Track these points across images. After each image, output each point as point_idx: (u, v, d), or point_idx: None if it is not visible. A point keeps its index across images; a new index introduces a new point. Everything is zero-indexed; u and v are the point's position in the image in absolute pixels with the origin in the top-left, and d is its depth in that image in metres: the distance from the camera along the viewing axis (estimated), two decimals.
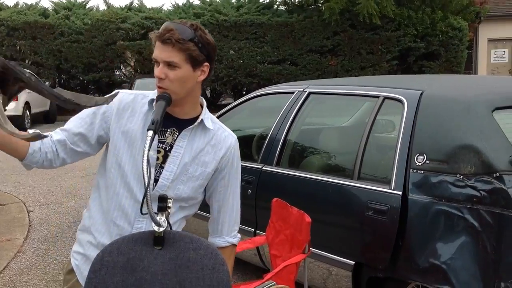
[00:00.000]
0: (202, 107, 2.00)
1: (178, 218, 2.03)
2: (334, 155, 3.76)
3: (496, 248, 2.53)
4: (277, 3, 21.02)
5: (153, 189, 1.93)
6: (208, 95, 21.65)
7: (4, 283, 4.36)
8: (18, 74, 1.54)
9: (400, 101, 3.09)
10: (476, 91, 3.05)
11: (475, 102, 2.88)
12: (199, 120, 1.96)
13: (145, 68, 19.81)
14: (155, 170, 1.93)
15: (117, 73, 21.16)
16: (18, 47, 19.43)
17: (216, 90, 21.11)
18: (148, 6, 21.50)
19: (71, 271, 2.07)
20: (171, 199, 1.74)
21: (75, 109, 1.76)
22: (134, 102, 1.98)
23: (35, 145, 1.87)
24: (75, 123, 1.97)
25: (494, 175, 2.60)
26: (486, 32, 22.52)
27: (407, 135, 2.94)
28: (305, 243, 2.76)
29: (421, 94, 3.02)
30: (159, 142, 1.93)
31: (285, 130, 3.62)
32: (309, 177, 3.38)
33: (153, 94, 1.98)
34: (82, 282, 2.00)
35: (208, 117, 2.00)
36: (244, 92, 21.28)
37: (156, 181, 1.93)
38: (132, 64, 20.76)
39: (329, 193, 3.23)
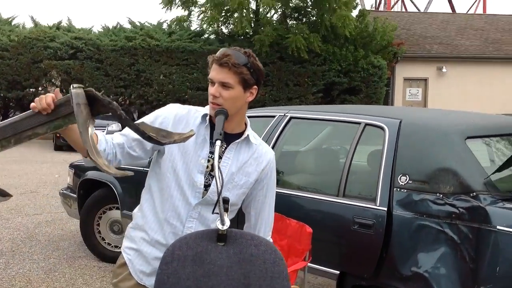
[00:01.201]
0: (246, 125, 2.25)
1: None
2: (320, 175, 4.07)
3: (474, 259, 2.89)
4: (208, 31, 21.41)
5: (205, 195, 2.16)
6: (135, 118, 21.55)
7: None
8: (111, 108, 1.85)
9: (381, 128, 3.45)
10: (449, 121, 3.48)
11: (450, 131, 3.29)
12: (245, 135, 2.21)
13: None
14: (205, 177, 2.16)
15: (42, 91, 20.60)
16: None
17: (144, 114, 21.03)
18: (77, 26, 21.20)
19: (122, 265, 2.27)
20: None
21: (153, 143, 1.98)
22: (188, 115, 2.21)
23: (101, 146, 2.08)
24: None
25: (471, 194, 2.99)
26: (402, 71, 23.94)
27: (390, 158, 3.30)
28: (306, 252, 3.03)
29: (400, 122, 3.41)
30: (209, 152, 2.17)
31: None
32: (296, 194, 3.66)
33: (204, 109, 2.22)
34: (134, 274, 2.22)
35: (251, 133, 2.26)
36: None
37: (206, 187, 2.16)
38: (58, 83, 20.32)
39: (318, 209, 3.52)
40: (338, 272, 3.38)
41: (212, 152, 2.16)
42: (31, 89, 19.77)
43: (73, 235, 6.16)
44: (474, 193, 2.99)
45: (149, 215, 2.21)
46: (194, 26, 22.49)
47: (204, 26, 21.07)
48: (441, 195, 3.07)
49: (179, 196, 2.16)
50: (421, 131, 3.35)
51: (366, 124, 3.56)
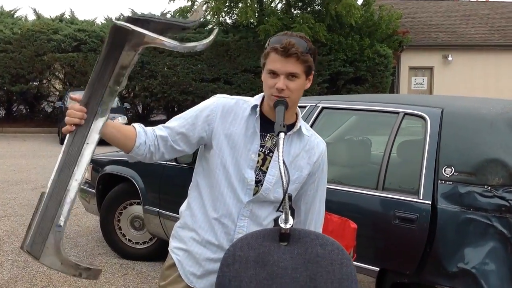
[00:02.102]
0: (297, 115, 2.11)
1: (271, 219, 2.13)
2: (357, 167, 3.94)
3: None
4: (212, 22, 21.22)
5: (257, 192, 2.03)
6: (140, 111, 21.42)
7: None
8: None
9: (422, 117, 3.31)
10: (493, 109, 3.33)
11: (496, 119, 3.16)
12: (297, 126, 2.07)
13: (76, 81, 19.34)
14: (255, 173, 2.03)
15: (46, 85, 20.47)
16: None
17: (148, 106, 20.92)
18: (80, 18, 21.01)
19: (171, 266, 2.14)
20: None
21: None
22: (236, 106, 2.08)
23: (141, 138, 1.97)
24: (178, 122, 2.06)
25: None
26: (408, 60, 23.77)
27: (433, 149, 3.16)
28: (350, 248, 2.90)
29: (442, 111, 3.27)
30: (260, 146, 2.03)
31: None
32: (332, 188, 3.52)
33: (254, 100, 2.09)
34: (184, 276, 2.09)
35: (303, 125, 2.12)
36: (176, 109, 21.23)
37: (256, 183, 2.03)
38: (62, 76, 20.18)
39: (356, 203, 3.39)
40: (378, 269, 3.25)
41: (262, 146, 2.04)
42: (34, 83, 19.65)
43: (90, 231, 6.04)
44: None
45: (198, 214, 2.09)
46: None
47: (208, 17, 20.86)
48: (490, 187, 2.93)
49: (229, 193, 2.03)
50: (465, 120, 3.21)
51: (406, 114, 3.42)
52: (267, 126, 2.04)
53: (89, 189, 5.50)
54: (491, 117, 3.18)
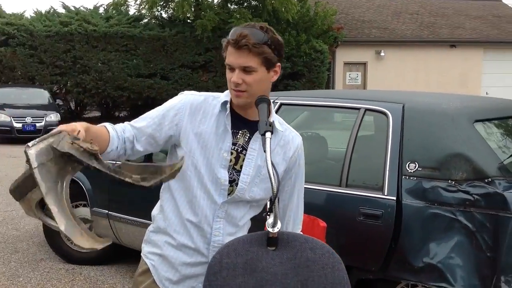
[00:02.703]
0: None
1: (247, 219, 2.05)
2: (318, 163, 3.88)
3: (492, 247, 2.79)
4: (147, 16, 20.79)
5: (233, 192, 1.94)
6: (73, 107, 20.75)
7: None
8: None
9: (383, 113, 3.30)
10: (454, 104, 3.36)
11: (458, 114, 3.18)
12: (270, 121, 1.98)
13: (4, 77, 18.49)
14: (229, 172, 1.94)
15: None
16: None
17: (81, 102, 20.28)
18: (8, 11, 20.09)
19: (144, 272, 2.03)
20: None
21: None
22: (205, 103, 1.98)
23: (113, 144, 1.86)
24: (145, 122, 1.96)
25: (486, 180, 2.89)
26: (342, 56, 24.12)
27: (396, 144, 3.15)
28: None
29: (403, 106, 3.26)
30: (232, 143, 1.95)
31: None
32: None
33: (224, 96, 1.99)
34: (159, 282, 2.00)
35: (276, 119, 2.04)
36: (111, 105, 20.70)
37: (230, 182, 1.95)
38: None
39: (319, 200, 3.33)
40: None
41: (234, 144, 1.95)
42: None
43: (31, 235, 5.73)
44: (489, 179, 2.89)
45: (172, 217, 1.98)
46: (132, 10, 21.70)
47: (143, 11, 20.44)
48: (453, 182, 2.95)
49: (203, 195, 1.94)
50: (427, 115, 3.22)
51: (367, 109, 3.40)
52: (238, 123, 1.96)
53: None
54: (452, 112, 3.21)
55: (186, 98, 1.98)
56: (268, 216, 1.73)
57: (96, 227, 4.57)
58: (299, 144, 2.07)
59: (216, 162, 1.92)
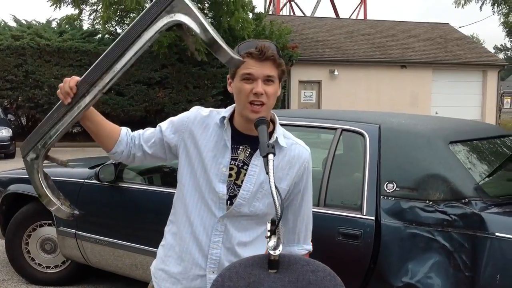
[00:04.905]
0: (274, 123, 2.03)
1: (256, 235, 2.06)
2: None
3: (470, 267, 2.84)
4: (101, 31, 20.53)
5: (230, 208, 1.96)
6: (24, 123, 20.21)
7: None
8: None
9: (360, 134, 3.34)
10: (429, 126, 3.44)
11: (434, 136, 3.25)
12: (273, 138, 1.99)
13: None
14: (229, 187, 1.96)
15: None
16: None
17: (33, 118, 19.77)
18: None
19: None
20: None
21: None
22: (208, 118, 2.03)
23: (119, 147, 2.05)
24: (150, 131, 2.11)
25: (463, 200, 2.96)
26: (297, 74, 24.43)
27: (374, 164, 3.19)
28: None
29: (379, 127, 3.32)
30: (231, 159, 1.97)
31: None
32: None
33: (225, 111, 2.03)
34: None
35: (281, 134, 2.04)
36: None
37: (230, 198, 1.96)
38: None
39: None
40: None
41: (235, 159, 1.96)
42: None
43: None
44: (466, 199, 2.96)
45: (173, 229, 2.09)
46: (86, 25, 21.41)
47: (97, 26, 20.19)
48: (431, 202, 3.01)
49: (203, 207, 1.98)
50: (404, 136, 3.28)
51: (343, 130, 3.44)
52: (238, 138, 1.98)
53: None
54: (428, 133, 3.28)
55: (192, 112, 2.07)
56: (269, 239, 1.72)
57: (63, 247, 4.44)
58: (306, 158, 2.08)
59: (214, 176, 1.95)
